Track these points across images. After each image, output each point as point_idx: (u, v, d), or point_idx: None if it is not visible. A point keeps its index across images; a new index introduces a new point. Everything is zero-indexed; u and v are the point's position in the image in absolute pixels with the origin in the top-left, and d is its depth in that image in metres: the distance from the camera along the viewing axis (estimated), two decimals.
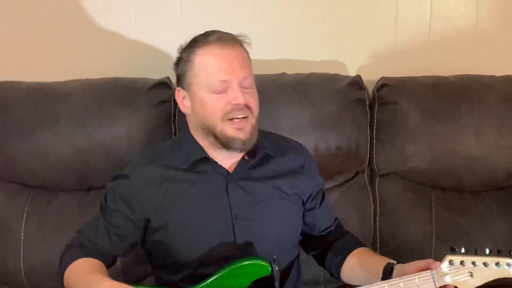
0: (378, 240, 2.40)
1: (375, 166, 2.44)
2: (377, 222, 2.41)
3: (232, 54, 1.69)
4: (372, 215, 2.41)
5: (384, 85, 2.44)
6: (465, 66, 2.52)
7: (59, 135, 2.35)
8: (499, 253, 1.56)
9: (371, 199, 2.42)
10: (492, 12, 2.60)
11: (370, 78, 2.52)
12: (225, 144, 1.70)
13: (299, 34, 2.62)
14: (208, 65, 1.68)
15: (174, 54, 2.54)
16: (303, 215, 1.90)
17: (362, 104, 2.40)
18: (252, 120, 1.71)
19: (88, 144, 2.35)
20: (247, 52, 1.77)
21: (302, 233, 1.93)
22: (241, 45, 1.75)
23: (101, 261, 1.71)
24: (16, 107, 2.39)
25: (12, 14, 2.61)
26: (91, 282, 1.53)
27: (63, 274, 1.68)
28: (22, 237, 2.34)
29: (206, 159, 1.76)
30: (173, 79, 2.40)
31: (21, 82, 2.48)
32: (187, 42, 1.76)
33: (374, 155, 2.44)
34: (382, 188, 2.43)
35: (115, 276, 1.60)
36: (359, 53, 2.63)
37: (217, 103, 1.68)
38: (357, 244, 1.89)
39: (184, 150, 1.80)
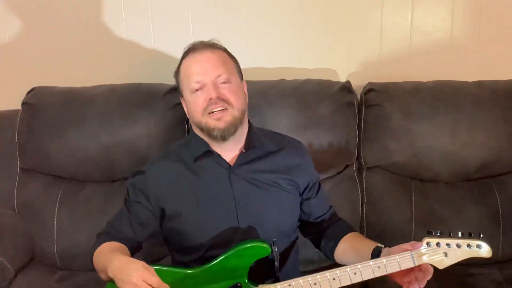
0: (365, 225, 2.47)
1: (362, 160, 2.52)
2: (364, 209, 2.49)
3: (205, 58, 1.79)
4: (360, 203, 2.49)
5: (370, 89, 2.53)
6: (441, 73, 2.61)
7: (87, 134, 2.46)
8: (470, 236, 1.60)
9: (359, 189, 2.50)
10: (465, 27, 2.66)
11: (358, 83, 2.60)
12: (208, 134, 1.79)
13: (297, 45, 2.70)
14: (187, 70, 1.81)
15: None
16: (300, 203, 1.94)
17: (351, 107, 2.50)
18: (232, 111, 1.77)
19: (112, 141, 2.46)
20: (229, 56, 1.87)
21: (299, 220, 1.98)
22: (220, 50, 1.84)
23: (125, 245, 1.80)
24: (49, 109, 2.49)
25: (47, 29, 2.70)
26: (108, 258, 1.63)
27: (92, 257, 1.79)
28: (55, 223, 2.46)
29: (210, 152, 1.83)
30: None
31: (53, 87, 2.58)
32: None
33: (362, 151, 2.52)
34: (369, 180, 2.51)
35: (137, 257, 1.70)
36: (349, 61, 2.72)
37: (197, 101, 1.78)
38: (349, 229, 1.94)
39: (191, 146, 1.88)
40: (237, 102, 1.79)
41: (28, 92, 2.57)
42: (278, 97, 2.45)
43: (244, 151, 1.85)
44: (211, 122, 1.77)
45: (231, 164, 1.84)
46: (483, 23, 2.66)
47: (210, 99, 1.75)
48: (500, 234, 2.41)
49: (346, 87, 2.53)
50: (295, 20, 2.68)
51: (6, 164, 2.57)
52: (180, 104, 2.42)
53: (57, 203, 2.50)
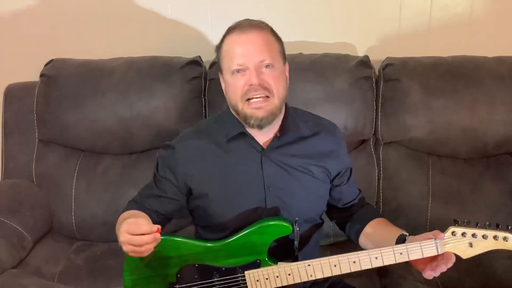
0: (381, 200, 2.47)
1: (379, 135, 2.51)
2: (381, 185, 2.49)
3: (250, 40, 1.70)
4: (376, 178, 2.49)
5: (388, 64, 2.50)
6: (461, 48, 2.58)
7: (105, 106, 2.47)
8: (497, 227, 1.58)
9: (376, 164, 2.50)
10: (485, 1, 2.62)
11: (377, 58, 2.58)
12: (243, 120, 1.75)
13: (315, 19, 2.68)
14: (230, 50, 1.73)
15: (205, 36, 2.69)
16: (330, 189, 1.92)
17: (369, 81, 2.48)
18: (272, 100, 1.71)
19: (130, 114, 2.46)
20: (274, 37, 1.77)
21: (327, 204, 1.96)
22: (266, 31, 1.75)
23: (151, 216, 1.78)
24: (67, 81, 2.50)
25: (65, 1, 2.70)
26: (121, 218, 1.68)
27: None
28: (73, 194, 2.48)
29: (244, 134, 1.79)
30: (204, 58, 2.56)
31: (72, 59, 2.58)
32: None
33: (379, 126, 2.50)
34: (385, 155, 2.50)
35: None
36: (367, 36, 2.70)
37: (237, 84, 1.72)
38: (375, 215, 1.91)
39: (224, 126, 1.83)
40: (279, 90, 1.73)
41: (46, 64, 2.58)
42: (296, 71, 2.36)
43: (278, 135, 1.81)
44: (249, 110, 1.72)
45: (264, 147, 1.81)
46: None
47: (251, 85, 1.69)
48: None
49: (364, 62, 2.51)
50: None
51: (25, 135, 2.59)
52: (197, 78, 2.51)
53: (75, 174, 2.52)
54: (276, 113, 1.75)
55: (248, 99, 1.71)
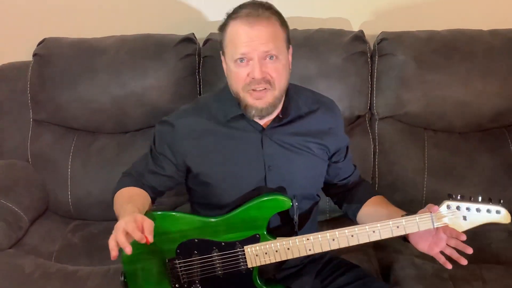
0: (377, 175, 2.47)
1: (375, 110, 2.50)
2: (376, 160, 2.48)
3: (256, 29, 1.64)
4: (372, 153, 2.48)
5: (383, 39, 2.48)
6: (455, 21, 2.54)
7: (98, 85, 2.45)
8: (490, 201, 1.60)
9: (371, 139, 2.49)
10: None
11: (371, 33, 2.56)
12: (244, 109, 1.72)
13: None
14: (234, 38, 1.67)
15: (198, 12, 2.65)
16: (328, 165, 1.91)
17: (364, 56, 2.46)
18: (273, 92, 1.69)
19: (124, 93, 2.45)
20: (281, 25, 1.71)
21: (324, 181, 1.96)
22: (273, 19, 1.68)
23: (147, 192, 1.81)
24: (60, 60, 2.48)
25: None
26: (121, 209, 1.63)
27: (112, 197, 1.80)
28: (69, 173, 2.48)
29: (244, 115, 1.76)
30: (198, 35, 2.52)
31: (64, 38, 2.56)
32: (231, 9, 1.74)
33: (374, 101, 2.49)
34: (381, 130, 2.50)
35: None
36: (362, 10, 2.66)
37: (239, 73, 1.68)
38: (372, 193, 1.92)
39: (224, 105, 1.80)
40: (280, 82, 1.70)
41: (39, 44, 2.54)
42: None
43: (280, 116, 1.78)
44: (250, 99, 1.69)
45: (264, 127, 1.79)
46: None
47: (254, 78, 1.66)
48: None
49: (359, 37, 2.48)
50: None
51: (19, 115, 2.57)
52: (191, 55, 2.48)
53: (71, 154, 2.50)
54: (276, 104, 1.73)
55: (250, 90, 1.69)
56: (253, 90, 1.68)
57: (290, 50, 1.78)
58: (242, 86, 1.69)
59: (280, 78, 1.70)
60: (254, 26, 1.65)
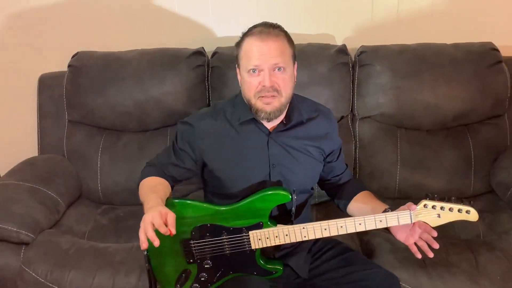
0: (357, 167, 2.47)
1: (355, 112, 2.50)
2: (357, 154, 2.48)
3: (267, 45, 1.66)
4: (353, 148, 2.47)
5: (363, 51, 2.49)
6: (424, 36, 2.54)
7: (123, 91, 2.46)
8: (462, 201, 1.61)
9: (352, 136, 2.48)
10: None
11: (353, 46, 2.56)
12: (255, 113, 1.73)
13: (300, 13, 2.62)
14: (248, 51, 1.68)
15: (207, 30, 2.65)
16: (323, 164, 1.91)
17: (347, 66, 2.46)
18: (280, 99, 1.70)
19: (145, 97, 2.45)
20: (288, 42, 1.73)
21: (319, 178, 1.96)
22: (281, 37, 1.70)
23: (168, 181, 1.82)
24: (91, 70, 2.49)
25: (90, 3, 2.65)
26: (146, 197, 1.64)
27: (138, 184, 1.81)
28: (99, 166, 2.49)
29: (254, 119, 1.77)
30: (207, 49, 2.53)
31: (94, 52, 2.57)
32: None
33: (355, 104, 2.49)
34: (361, 128, 2.50)
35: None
36: (345, 28, 2.65)
37: (252, 82, 1.69)
38: (360, 188, 1.91)
39: (238, 110, 1.80)
40: (286, 91, 1.71)
41: (73, 56, 2.55)
42: None
43: (284, 122, 1.79)
44: (260, 104, 1.70)
45: (271, 131, 1.79)
46: None
47: (264, 86, 1.67)
48: (472, 174, 2.41)
49: (342, 50, 2.48)
50: None
51: (57, 117, 2.58)
52: (201, 66, 2.49)
53: (100, 149, 2.51)
54: (282, 109, 1.74)
55: (260, 96, 1.70)
56: (263, 96, 1.68)
57: (295, 65, 1.79)
58: (254, 93, 1.70)
59: (286, 87, 1.71)
60: (265, 42, 1.66)
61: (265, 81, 1.67)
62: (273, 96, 1.68)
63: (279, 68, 1.68)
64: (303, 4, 2.63)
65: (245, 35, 1.73)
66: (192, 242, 1.70)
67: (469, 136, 2.46)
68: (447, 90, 2.40)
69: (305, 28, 2.66)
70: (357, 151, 2.49)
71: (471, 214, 1.58)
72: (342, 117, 2.51)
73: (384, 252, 2.03)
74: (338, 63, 2.45)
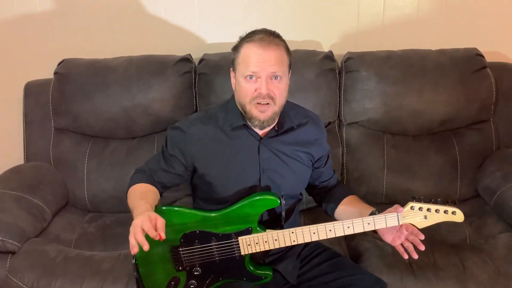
0: (345, 172, 2.47)
1: (342, 117, 2.50)
2: (344, 159, 2.48)
3: (267, 53, 1.66)
4: (341, 153, 2.48)
5: (349, 58, 2.49)
6: (409, 43, 2.57)
7: (110, 98, 2.44)
8: (447, 203, 1.61)
9: (340, 142, 2.49)
10: (430, 3, 2.62)
11: (339, 53, 2.58)
12: (248, 120, 1.73)
13: (287, 20, 2.65)
14: (247, 57, 1.68)
15: (194, 37, 2.63)
16: (312, 170, 1.91)
17: (333, 72, 2.47)
18: (273, 107, 1.70)
19: (132, 104, 2.44)
20: (286, 52, 1.73)
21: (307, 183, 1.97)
22: (281, 46, 1.70)
23: (157, 187, 1.80)
24: (77, 77, 2.47)
25: (75, 11, 2.65)
26: (136, 204, 1.62)
27: (127, 191, 1.78)
28: (86, 173, 2.46)
29: (246, 125, 1.77)
30: (194, 56, 2.53)
31: (80, 59, 2.55)
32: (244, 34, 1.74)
33: (342, 110, 2.50)
34: (348, 134, 2.51)
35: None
36: (331, 34, 2.67)
37: (248, 88, 1.69)
38: (347, 193, 1.91)
39: (230, 116, 1.80)
40: (280, 100, 1.71)
41: (59, 63, 2.53)
42: None
43: (276, 129, 1.79)
44: (255, 112, 1.70)
45: (262, 136, 1.79)
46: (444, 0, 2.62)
47: (260, 93, 1.67)
48: (458, 178, 2.43)
49: (329, 56, 2.50)
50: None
51: (43, 125, 2.56)
52: (188, 72, 2.48)
53: (87, 157, 2.49)
54: (275, 117, 1.74)
55: (256, 103, 1.70)
56: (258, 103, 1.68)
57: (290, 74, 1.79)
58: (249, 99, 1.70)
59: (280, 96, 1.71)
60: (265, 50, 1.66)
61: (262, 88, 1.67)
62: (268, 104, 1.69)
63: (276, 77, 1.68)
64: (290, 11, 2.64)
65: (244, 40, 1.72)
66: (181, 249, 1.69)
67: (455, 141, 2.47)
68: (433, 95, 2.41)
69: (291, 34, 2.57)
70: (344, 156, 2.49)
71: (457, 215, 1.59)
72: (329, 123, 2.51)
73: (372, 257, 2.03)
74: (325, 69, 2.46)
